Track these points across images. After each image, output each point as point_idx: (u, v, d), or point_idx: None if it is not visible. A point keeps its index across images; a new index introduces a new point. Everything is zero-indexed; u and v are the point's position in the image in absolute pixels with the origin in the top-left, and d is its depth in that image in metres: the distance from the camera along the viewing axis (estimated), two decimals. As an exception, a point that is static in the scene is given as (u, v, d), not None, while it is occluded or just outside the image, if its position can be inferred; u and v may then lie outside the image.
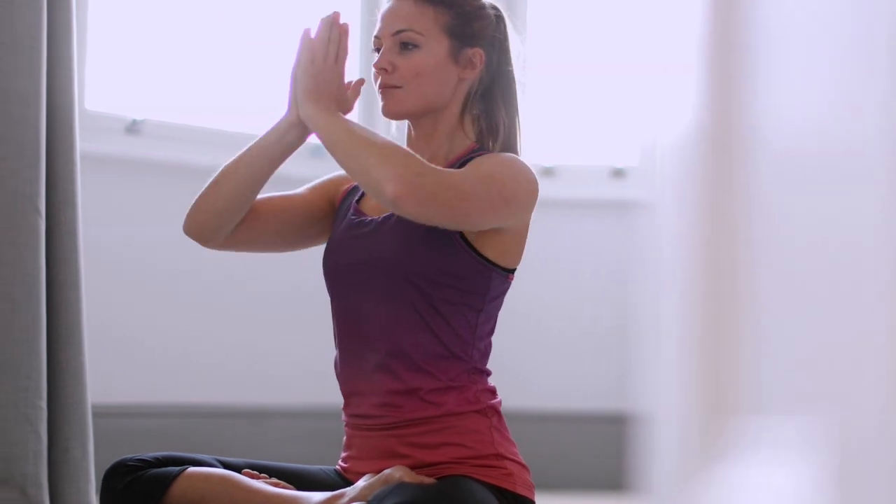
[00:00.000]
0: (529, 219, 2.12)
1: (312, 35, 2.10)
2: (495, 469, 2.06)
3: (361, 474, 2.08)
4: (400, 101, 2.13)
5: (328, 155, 2.08)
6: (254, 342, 3.67)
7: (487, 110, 2.18)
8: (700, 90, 0.93)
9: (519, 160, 2.11)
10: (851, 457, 0.75)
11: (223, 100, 3.75)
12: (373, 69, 2.15)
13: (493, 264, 2.09)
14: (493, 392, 2.13)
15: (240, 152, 2.14)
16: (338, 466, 2.19)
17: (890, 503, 0.72)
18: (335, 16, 2.12)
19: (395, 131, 2.27)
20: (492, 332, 2.15)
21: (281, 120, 2.13)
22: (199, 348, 3.59)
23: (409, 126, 2.19)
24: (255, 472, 2.11)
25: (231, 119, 3.74)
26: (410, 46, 2.12)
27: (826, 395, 0.78)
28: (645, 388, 1.04)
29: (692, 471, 0.93)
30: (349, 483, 2.10)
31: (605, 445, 3.84)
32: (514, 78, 2.19)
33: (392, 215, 2.10)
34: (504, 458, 2.08)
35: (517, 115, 2.19)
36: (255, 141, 2.14)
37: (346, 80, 2.12)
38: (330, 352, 2.23)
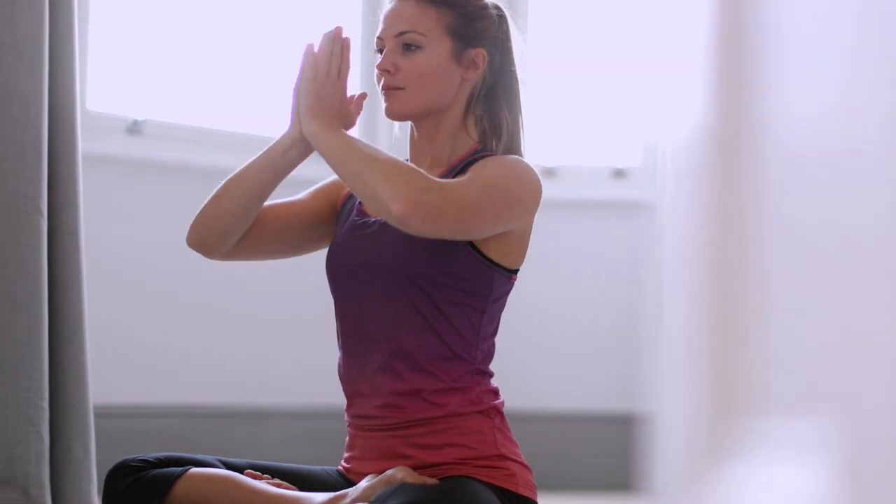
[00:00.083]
0: (533, 220, 2.12)
1: (315, 50, 2.10)
2: (498, 470, 2.06)
3: (364, 475, 2.08)
4: (403, 102, 2.12)
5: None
6: (254, 342, 3.67)
7: (490, 111, 2.17)
8: (707, 90, 0.93)
9: (522, 162, 2.11)
10: (860, 457, 0.75)
11: (224, 100, 3.75)
12: (375, 70, 2.15)
13: (496, 265, 2.09)
14: (495, 393, 2.13)
15: (242, 167, 2.14)
16: (340, 467, 2.18)
17: (899, 503, 0.72)
18: (337, 31, 2.11)
19: (398, 132, 2.27)
20: (495, 333, 2.14)
21: (284, 136, 2.12)
22: (200, 348, 3.59)
23: (411, 127, 2.19)
24: (257, 472, 2.11)
25: (232, 119, 3.74)
26: (413, 48, 2.12)
27: (834, 395, 0.78)
28: (651, 388, 1.04)
29: (699, 471, 0.93)
30: (351, 484, 2.10)
31: (605, 446, 3.84)
32: (516, 78, 2.19)
33: (394, 216, 2.10)
34: (507, 458, 2.08)
35: (520, 115, 2.19)
36: (257, 156, 2.13)
37: (349, 94, 2.12)
38: (330, 352, 2.23)
